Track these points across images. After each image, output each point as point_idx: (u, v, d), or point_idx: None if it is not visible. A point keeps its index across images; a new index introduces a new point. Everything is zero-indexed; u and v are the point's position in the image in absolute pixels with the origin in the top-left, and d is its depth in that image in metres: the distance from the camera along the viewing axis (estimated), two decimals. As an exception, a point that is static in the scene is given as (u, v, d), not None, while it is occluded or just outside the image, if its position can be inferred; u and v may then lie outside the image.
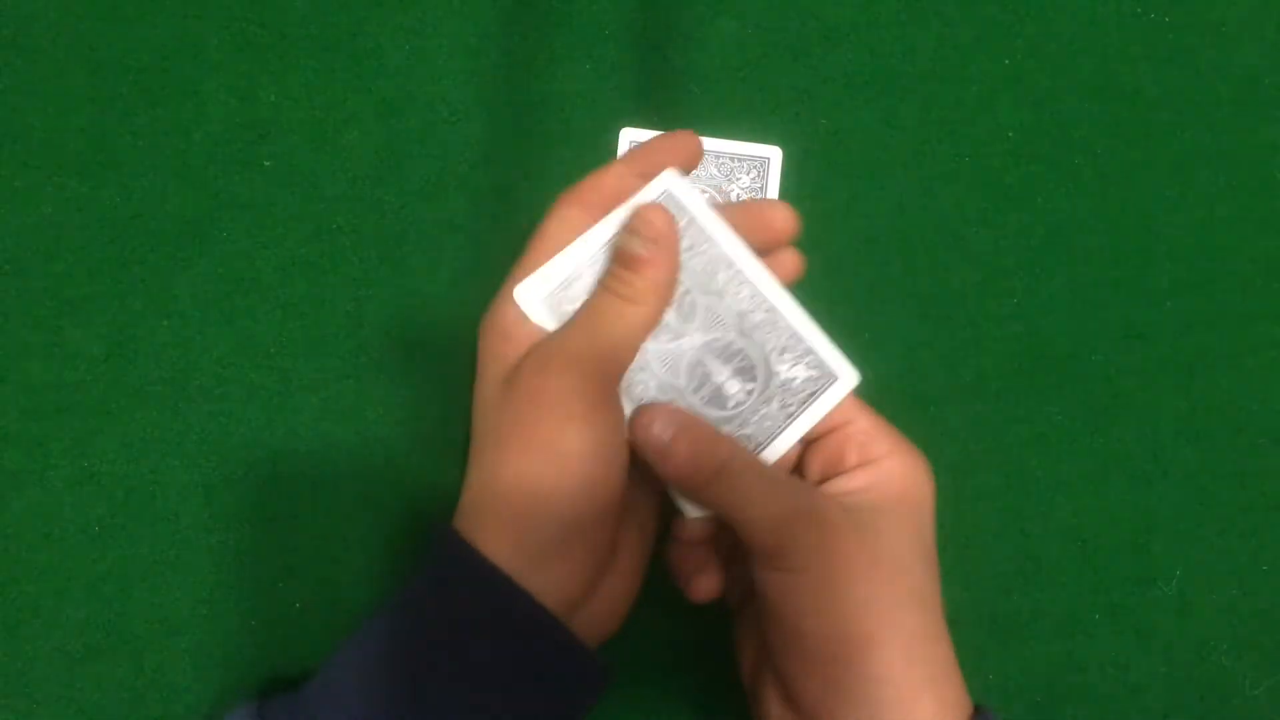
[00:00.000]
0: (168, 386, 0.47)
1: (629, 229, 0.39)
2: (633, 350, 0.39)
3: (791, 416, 0.40)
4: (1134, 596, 0.47)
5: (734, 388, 0.40)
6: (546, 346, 0.39)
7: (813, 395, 0.40)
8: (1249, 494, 0.48)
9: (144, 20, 0.48)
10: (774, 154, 0.48)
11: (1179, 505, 0.48)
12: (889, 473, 0.38)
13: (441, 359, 0.47)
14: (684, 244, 0.40)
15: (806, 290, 0.48)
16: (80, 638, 0.45)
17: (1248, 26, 0.51)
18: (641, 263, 0.38)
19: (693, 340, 0.40)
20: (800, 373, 0.40)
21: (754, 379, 0.40)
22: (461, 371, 0.47)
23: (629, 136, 0.48)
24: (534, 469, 0.37)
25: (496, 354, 0.40)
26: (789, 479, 0.38)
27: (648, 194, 0.41)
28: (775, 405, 0.40)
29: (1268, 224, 0.50)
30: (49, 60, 0.48)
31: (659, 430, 0.38)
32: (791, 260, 0.43)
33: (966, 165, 0.49)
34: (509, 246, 0.48)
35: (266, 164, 0.48)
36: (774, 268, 0.41)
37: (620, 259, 0.39)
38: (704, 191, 0.48)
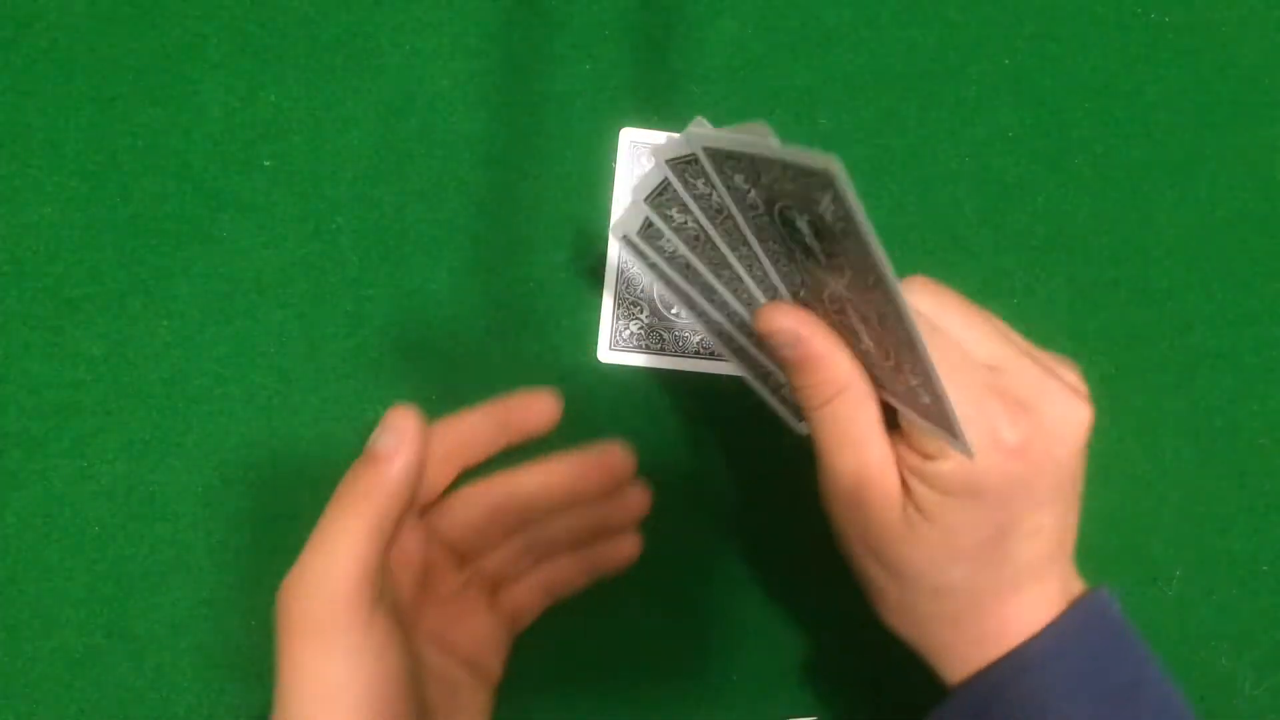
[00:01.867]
0: (168, 386, 0.47)
1: (382, 424, 0.36)
2: (362, 562, 0.35)
3: None
4: (1134, 596, 0.47)
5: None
6: (292, 578, 0.36)
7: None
8: (1249, 494, 0.48)
9: (144, 20, 0.48)
10: (774, 154, 0.48)
11: (1179, 505, 0.48)
12: (949, 472, 0.37)
13: (441, 359, 0.47)
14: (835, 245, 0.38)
15: (806, 290, 0.48)
16: (80, 638, 0.45)
17: (1248, 26, 0.51)
18: (379, 458, 0.36)
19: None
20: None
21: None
22: (461, 371, 0.47)
23: (629, 136, 0.48)
24: (303, 712, 0.34)
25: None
26: (884, 439, 0.37)
27: (812, 157, 0.39)
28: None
29: (1268, 224, 0.50)
30: (49, 60, 0.48)
31: (789, 324, 0.36)
32: (630, 545, 0.44)
33: (966, 165, 0.49)
34: (509, 246, 0.48)
35: (266, 164, 0.48)
36: (611, 552, 0.43)
37: (365, 455, 0.36)
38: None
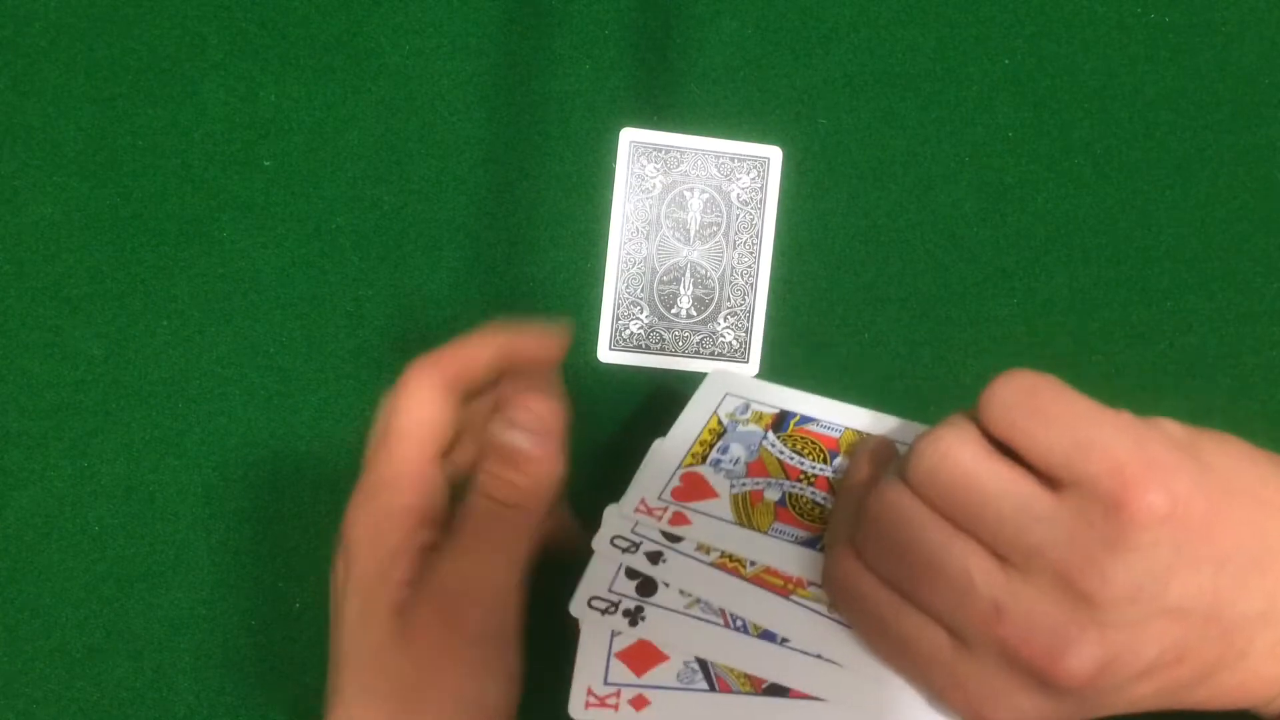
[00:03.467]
0: (168, 386, 0.47)
1: (507, 419, 0.36)
2: (520, 568, 0.36)
3: None
4: (1134, 596, 0.47)
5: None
6: (444, 585, 0.34)
7: None
8: (1249, 494, 0.48)
9: (144, 20, 0.48)
10: (774, 154, 0.48)
11: (1179, 505, 0.48)
12: None
13: (441, 359, 0.47)
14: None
15: (808, 290, 0.49)
16: (80, 638, 0.45)
17: (1248, 26, 0.51)
18: (524, 458, 0.35)
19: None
20: None
21: None
22: (461, 371, 0.47)
23: (629, 136, 0.48)
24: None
25: (383, 576, 0.35)
26: None
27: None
28: None
29: (1268, 224, 0.50)
30: (49, 60, 0.48)
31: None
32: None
33: (966, 165, 0.49)
34: (509, 246, 0.48)
35: (266, 164, 0.48)
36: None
37: (498, 455, 0.36)
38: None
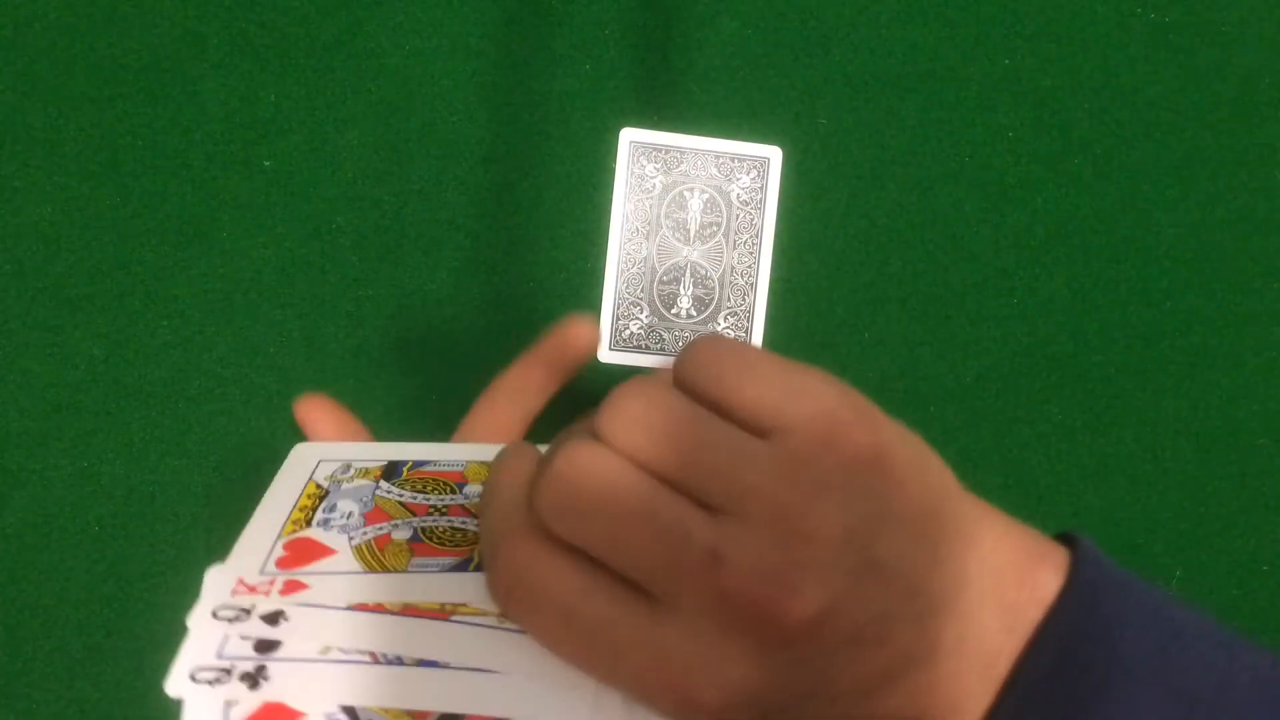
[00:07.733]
0: (168, 386, 0.47)
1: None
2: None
3: None
4: (1134, 596, 0.47)
5: None
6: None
7: None
8: (1249, 494, 0.48)
9: (144, 20, 0.48)
10: (774, 154, 0.48)
11: (1179, 505, 0.48)
12: None
13: (441, 359, 0.47)
14: None
15: (808, 290, 0.49)
16: (80, 638, 0.45)
17: (1248, 26, 0.51)
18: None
19: None
20: None
21: None
22: (461, 371, 0.47)
23: (629, 136, 0.48)
24: None
25: None
26: None
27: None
28: None
29: (1268, 224, 0.50)
30: (49, 60, 0.48)
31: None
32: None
33: (966, 165, 0.49)
34: (509, 246, 0.48)
35: (266, 164, 0.48)
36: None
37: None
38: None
